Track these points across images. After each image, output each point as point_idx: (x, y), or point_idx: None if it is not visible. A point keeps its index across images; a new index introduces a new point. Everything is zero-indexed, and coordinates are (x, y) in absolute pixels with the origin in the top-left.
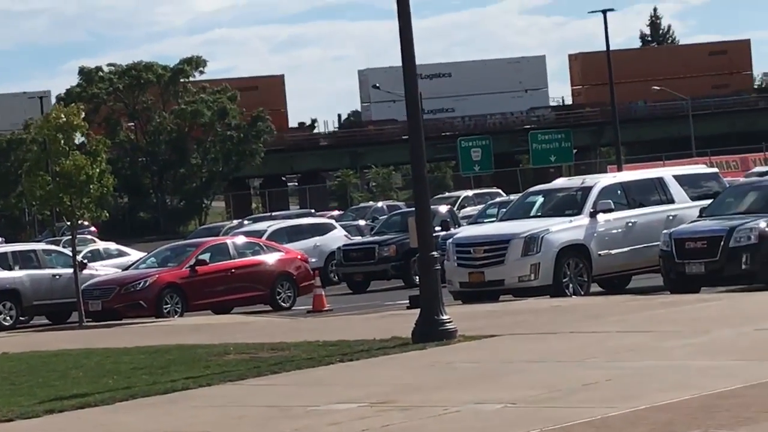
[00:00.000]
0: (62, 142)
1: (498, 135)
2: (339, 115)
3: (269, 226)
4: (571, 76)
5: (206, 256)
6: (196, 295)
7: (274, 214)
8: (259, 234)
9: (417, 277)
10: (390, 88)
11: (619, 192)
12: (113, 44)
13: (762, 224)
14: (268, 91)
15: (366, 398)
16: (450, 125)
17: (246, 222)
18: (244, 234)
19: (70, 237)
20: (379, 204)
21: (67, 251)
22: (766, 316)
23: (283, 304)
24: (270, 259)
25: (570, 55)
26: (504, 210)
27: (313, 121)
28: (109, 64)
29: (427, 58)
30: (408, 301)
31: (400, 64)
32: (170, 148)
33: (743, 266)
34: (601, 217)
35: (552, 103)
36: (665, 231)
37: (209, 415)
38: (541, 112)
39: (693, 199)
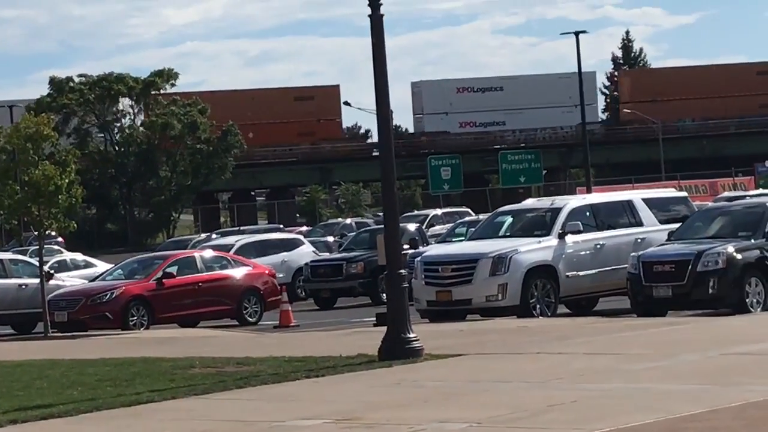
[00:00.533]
0: (31, 151)
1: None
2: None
3: (237, 240)
4: (621, 92)
5: (173, 269)
6: (163, 308)
7: (242, 228)
8: (227, 248)
9: (384, 295)
10: (441, 101)
11: (588, 214)
12: (84, 55)
13: (730, 249)
14: (325, 100)
15: (331, 415)
16: (501, 139)
17: (214, 236)
18: (211, 248)
19: (38, 247)
20: (348, 221)
21: (34, 261)
22: (732, 341)
23: (249, 318)
24: (237, 273)
25: (619, 71)
26: (473, 229)
27: (367, 131)
28: (80, 75)
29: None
30: (375, 319)
31: (451, 77)
32: (140, 160)
33: (710, 291)
34: (570, 239)
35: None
36: (633, 254)
37: (174, 428)
38: (591, 127)
39: (662, 222)
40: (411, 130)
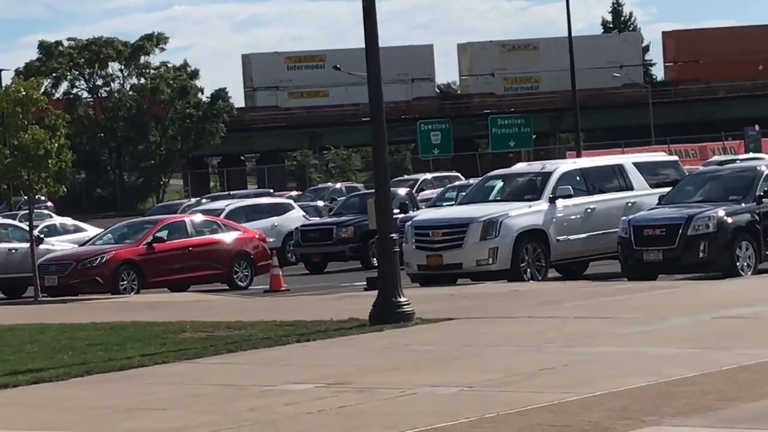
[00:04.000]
0: (21, 116)
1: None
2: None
3: (227, 205)
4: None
5: (163, 234)
6: (153, 273)
7: (232, 193)
8: (217, 213)
9: (375, 259)
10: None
11: (578, 178)
12: (71, 19)
13: (720, 213)
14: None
15: (322, 379)
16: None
17: (204, 200)
18: (201, 212)
19: (27, 211)
20: (338, 185)
21: (24, 226)
22: (722, 305)
23: (240, 283)
24: (227, 238)
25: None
26: (463, 194)
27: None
28: (69, 39)
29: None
30: (365, 283)
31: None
32: (129, 124)
33: (701, 254)
34: (561, 203)
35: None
36: (624, 218)
37: (164, 392)
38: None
39: (652, 186)
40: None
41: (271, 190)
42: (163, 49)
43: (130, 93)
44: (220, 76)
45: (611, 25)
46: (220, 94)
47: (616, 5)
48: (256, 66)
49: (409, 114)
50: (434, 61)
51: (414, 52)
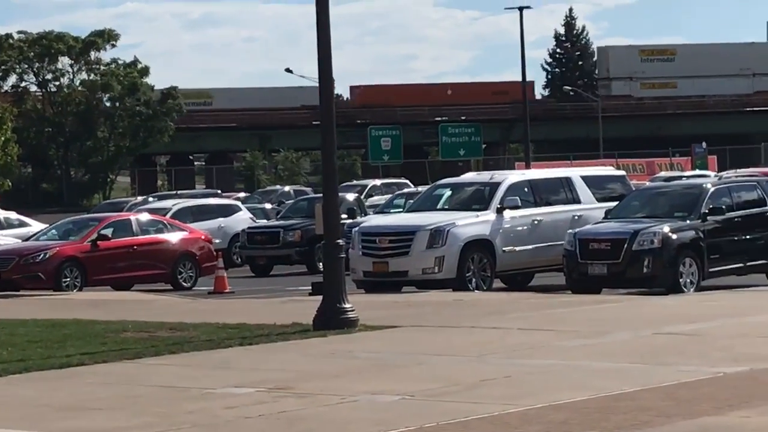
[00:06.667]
0: None
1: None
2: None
3: (174, 204)
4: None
5: (108, 231)
6: (97, 271)
7: (179, 192)
8: (163, 212)
9: (321, 264)
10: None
11: (526, 189)
12: (22, 12)
13: (665, 229)
14: None
15: (264, 383)
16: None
17: (151, 199)
18: (148, 211)
19: None
20: (286, 188)
21: None
22: (665, 320)
23: (184, 283)
24: (173, 237)
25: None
26: (411, 201)
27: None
28: (20, 32)
29: (341, 46)
30: (311, 288)
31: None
32: (77, 120)
33: (645, 270)
34: (508, 214)
35: None
36: (570, 231)
37: (104, 392)
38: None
39: (599, 200)
40: None
41: (219, 191)
42: (114, 46)
43: (80, 88)
44: (172, 74)
45: (564, 38)
46: (171, 92)
47: (569, 19)
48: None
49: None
50: None
51: None
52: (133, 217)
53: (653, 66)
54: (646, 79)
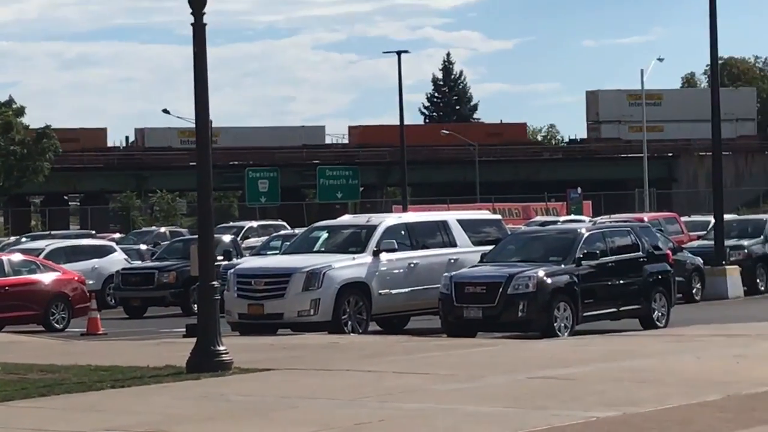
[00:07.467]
0: None
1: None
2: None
3: (47, 245)
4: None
5: None
6: None
7: (53, 233)
8: (36, 252)
9: (196, 306)
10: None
11: (403, 232)
12: None
13: (540, 273)
14: None
15: (135, 426)
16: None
17: (24, 239)
18: (20, 251)
19: None
20: (162, 229)
21: None
22: (539, 365)
23: (56, 325)
24: (46, 278)
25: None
26: (288, 243)
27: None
28: None
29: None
30: (185, 330)
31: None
32: None
33: (520, 313)
34: (384, 257)
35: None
36: (446, 274)
37: None
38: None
39: (475, 243)
40: None
41: (93, 232)
42: None
43: None
44: (47, 113)
45: (441, 83)
46: (46, 132)
47: (447, 63)
48: None
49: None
50: None
51: None
52: (5, 258)
53: (640, 110)
54: (634, 122)
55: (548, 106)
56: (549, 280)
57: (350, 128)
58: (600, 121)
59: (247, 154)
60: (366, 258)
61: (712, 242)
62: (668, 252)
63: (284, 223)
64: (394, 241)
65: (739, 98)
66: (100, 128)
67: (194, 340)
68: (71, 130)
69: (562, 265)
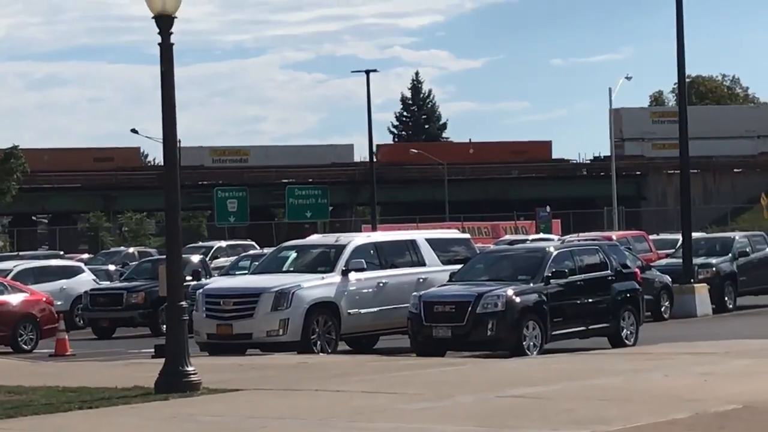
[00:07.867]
0: None
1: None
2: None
3: (15, 265)
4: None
5: None
6: None
7: (20, 253)
8: (3, 273)
9: (164, 326)
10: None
11: (372, 252)
12: None
13: (509, 292)
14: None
15: None
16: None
17: None
18: None
19: None
20: (131, 249)
21: None
22: (508, 383)
23: (24, 346)
24: (13, 299)
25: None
26: (257, 263)
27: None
28: None
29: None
30: (153, 350)
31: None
32: None
33: (489, 332)
34: (353, 276)
35: None
36: (415, 293)
37: None
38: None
39: (444, 263)
40: None
41: (61, 252)
42: None
43: None
44: (15, 134)
45: (410, 102)
46: (13, 152)
47: (415, 82)
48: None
49: (208, 179)
50: None
51: None
52: None
53: (663, 127)
54: (657, 139)
55: (517, 125)
56: (518, 299)
57: (378, 146)
58: (624, 138)
59: (217, 173)
60: (335, 278)
61: (681, 260)
62: (636, 270)
63: (253, 243)
64: (363, 260)
65: (760, 115)
66: (133, 147)
67: (163, 360)
68: (106, 149)
69: (531, 284)
